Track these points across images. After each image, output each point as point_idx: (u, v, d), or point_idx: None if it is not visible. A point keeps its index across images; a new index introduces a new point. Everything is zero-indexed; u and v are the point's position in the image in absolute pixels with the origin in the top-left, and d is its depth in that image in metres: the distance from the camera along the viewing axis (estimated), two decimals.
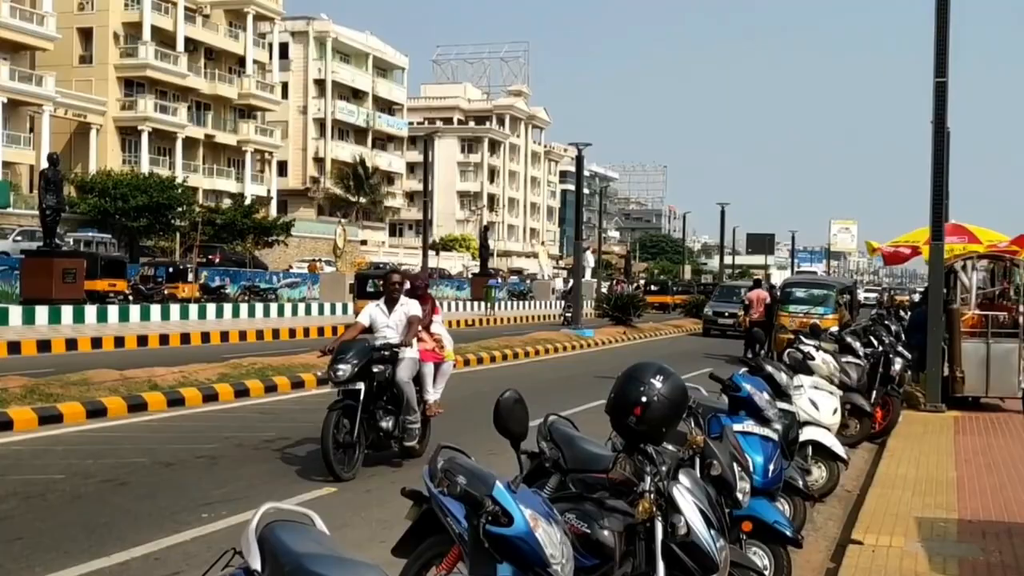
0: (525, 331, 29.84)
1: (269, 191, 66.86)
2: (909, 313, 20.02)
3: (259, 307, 31.78)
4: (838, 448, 8.29)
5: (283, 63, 71.21)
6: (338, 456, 8.66)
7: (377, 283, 32.01)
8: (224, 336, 25.04)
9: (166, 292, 33.99)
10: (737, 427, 6.00)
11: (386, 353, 9.23)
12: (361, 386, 8.93)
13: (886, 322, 15.40)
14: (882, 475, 9.45)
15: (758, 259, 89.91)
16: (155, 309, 26.88)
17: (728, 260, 75.45)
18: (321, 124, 74.63)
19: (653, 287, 59.16)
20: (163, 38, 57.50)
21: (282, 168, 71.34)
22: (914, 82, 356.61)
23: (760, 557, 5.67)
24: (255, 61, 65.46)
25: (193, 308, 28.44)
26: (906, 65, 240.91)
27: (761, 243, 79.66)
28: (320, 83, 74.34)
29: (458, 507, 3.80)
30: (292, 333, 27.55)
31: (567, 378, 18.62)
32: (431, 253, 51.12)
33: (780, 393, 7.11)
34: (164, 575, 6.07)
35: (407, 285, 10.02)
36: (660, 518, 3.84)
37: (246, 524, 3.31)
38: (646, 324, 35.41)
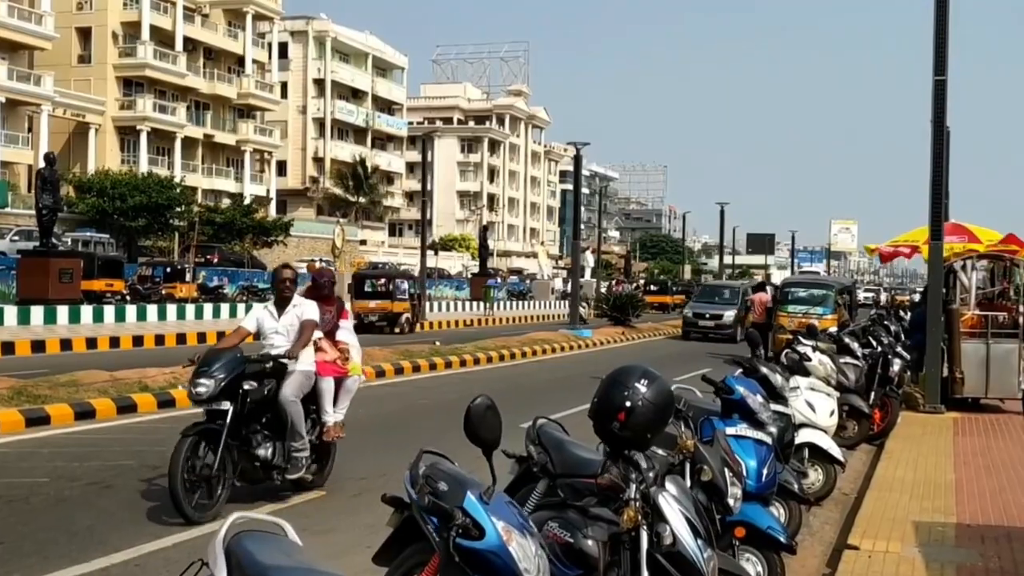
0: (524, 331, 29.72)
1: (268, 191, 66.75)
2: (909, 313, 19.92)
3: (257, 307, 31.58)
4: (835, 451, 8.18)
5: (282, 63, 71.11)
6: (190, 493, 7.14)
7: (375, 283, 31.91)
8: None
9: (164, 292, 33.88)
10: (730, 430, 5.89)
11: (268, 366, 7.73)
12: (228, 406, 7.39)
13: (885, 322, 15.29)
14: (880, 478, 9.32)
15: (758, 259, 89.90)
16: (152, 309, 26.76)
17: (728, 260, 75.38)
18: (320, 124, 74.52)
19: (652, 287, 59.04)
20: (162, 38, 57.39)
21: (281, 168, 71.25)
22: (914, 82, 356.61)
23: (753, 564, 5.56)
24: (254, 61, 65.36)
25: (190, 308, 28.32)
26: (906, 65, 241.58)
27: (761, 243, 79.65)
28: (319, 83, 74.22)
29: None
30: None
31: (563, 379, 18.51)
32: (430, 253, 51.01)
33: (775, 395, 7.00)
34: None
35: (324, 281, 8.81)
36: (645, 527, 3.72)
37: (213, 535, 3.19)
38: (645, 324, 35.30)
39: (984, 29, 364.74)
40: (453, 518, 3.29)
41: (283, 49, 71.98)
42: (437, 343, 22.05)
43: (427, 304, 36.47)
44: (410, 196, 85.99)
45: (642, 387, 3.89)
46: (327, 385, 8.27)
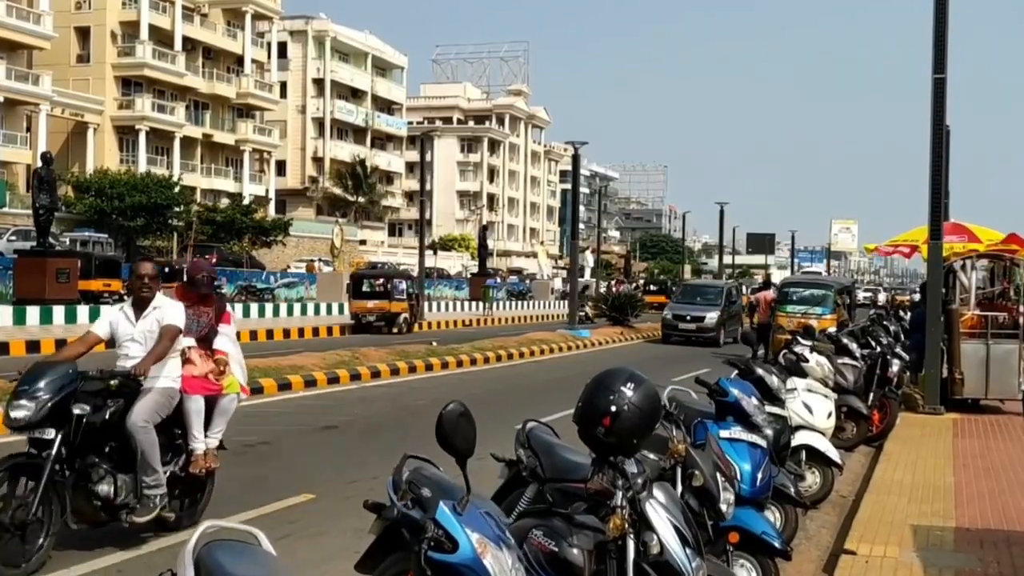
0: (523, 331, 29.60)
1: (267, 191, 66.65)
2: (909, 313, 19.81)
3: (254, 307, 31.53)
4: (832, 453, 8.07)
5: (281, 62, 71.00)
6: (4, 540, 5.72)
7: (373, 283, 31.73)
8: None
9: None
10: (724, 433, 5.77)
11: (113, 383, 6.30)
12: (53, 434, 5.96)
13: (884, 322, 15.19)
14: (878, 480, 9.21)
15: (758, 259, 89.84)
16: None
17: (728, 260, 75.23)
18: (320, 123, 74.42)
19: (652, 287, 58.78)
20: (161, 37, 57.29)
21: (280, 168, 71.16)
22: (914, 82, 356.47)
23: (748, 570, 5.45)
24: (253, 60, 65.25)
25: None
26: (906, 65, 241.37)
27: (761, 243, 79.57)
28: (319, 82, 74.11)
29: None
30: (287, 333, 27.31)
31: (560, 379, 18.37)
32: (430, 253, 50.95)
33: (772, 397, 6.89)
34: None
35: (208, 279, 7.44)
36: (632, 535, 3.61)
37: (183, 544, 3.08)
38: (644, 324, 35.14)
39: (984, 29, 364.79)
40: (425, 530, 3.15)
41: (282, 49, 71.87)
42: (434, 343, 21.92)
43: (426, 304, 36.37)
44: (410, 196, 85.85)
45: (628, 391, 3.78)
46: (195, 405, 6.81)
